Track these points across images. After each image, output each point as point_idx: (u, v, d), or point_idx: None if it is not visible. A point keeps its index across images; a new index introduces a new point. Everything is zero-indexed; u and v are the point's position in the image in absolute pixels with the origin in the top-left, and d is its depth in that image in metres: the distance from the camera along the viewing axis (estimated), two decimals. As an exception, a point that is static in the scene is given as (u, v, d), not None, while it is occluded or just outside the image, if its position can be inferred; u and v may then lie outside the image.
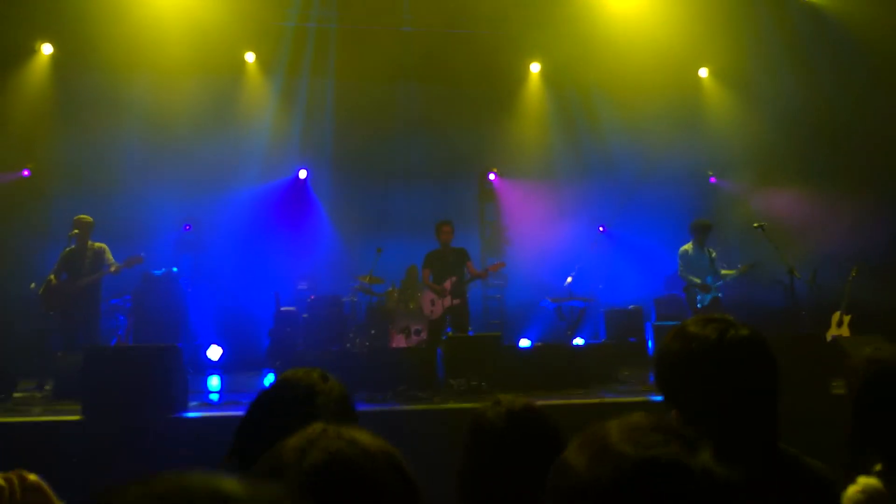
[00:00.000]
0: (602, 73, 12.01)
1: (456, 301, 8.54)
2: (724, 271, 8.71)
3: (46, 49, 11.00)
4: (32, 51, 10.94)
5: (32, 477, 1.58)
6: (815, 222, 10.84)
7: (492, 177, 13.14)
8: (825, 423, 5.32)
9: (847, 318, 9.11)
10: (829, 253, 10.11)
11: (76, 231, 7.94)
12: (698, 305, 8.58)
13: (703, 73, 12.83)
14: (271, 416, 1.51)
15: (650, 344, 10.05)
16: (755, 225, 8.50)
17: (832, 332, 9.09)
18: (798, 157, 11.56)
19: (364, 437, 1.00)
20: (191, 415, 5.75)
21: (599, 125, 12.54)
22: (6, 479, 1.62)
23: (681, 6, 10.74)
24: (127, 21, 10.12)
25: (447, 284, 8.57)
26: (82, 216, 8.09)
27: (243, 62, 11.99)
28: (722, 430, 1.50)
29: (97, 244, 8.13)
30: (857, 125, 10.99)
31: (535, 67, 12.85)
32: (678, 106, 12.42)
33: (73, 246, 7.96)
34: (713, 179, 13.07)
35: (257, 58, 12.00)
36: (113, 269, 7.97)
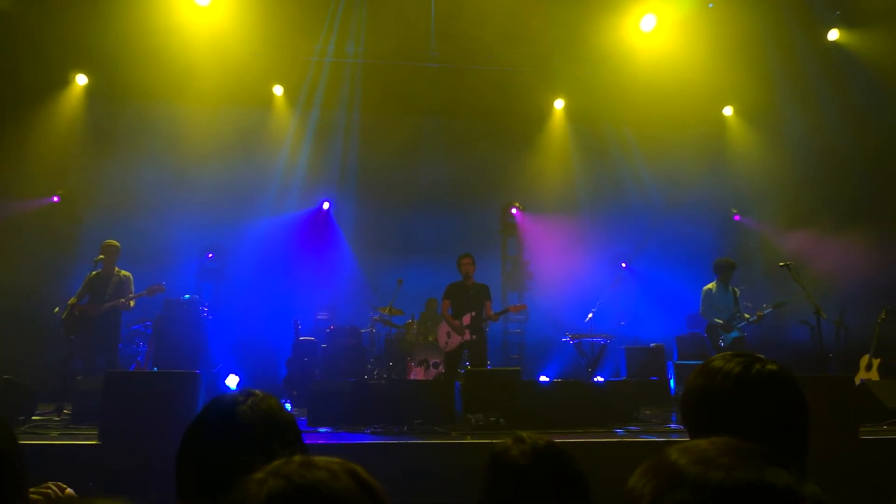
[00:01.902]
0: (626, 111, 12.08)
1: (473, 336, 8.48)
2: (746, 316, 8.55)
3: (81, 80, 11.30)
4: (67, 81, 11.25)
5: (69, 490, 1.62)
6: (841, 262, 10.67)
7: (514, 211, 13.15)
8: (854, 468, 5.18)
9: (876, 362, 8.89)
10: (856, 294, 9.92)
11: (101, 256, 8.04)
12: (721, 345, 8.44)
13: (728, 111, 12.82)
14: (200, 438, 1.45)
15: (672, 383, 9.89)
16: (780, 264, 8.37)
17: (861, 375, 8.87)
18: (824, 196, 11.44)
19: (329, 460, 0.97)
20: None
21: (623, 162, 12.56)
22: (45, 489, 1.65)
23: (705, 45, 10.78)
24: (159, 53, 10.38)
25: (466, 319, 8.51)
26: (110, 241, 8.19)
27: (271, 95, 12.22)
28: None
29: (123, 272, 8.20)
30: (883, 164, 10.87)
31: (559, 104, 12.93)
32: (702, 143, 12.41)
33: (98, 270, 8.06)
34: (737, 217, 12.96)
35: (285, 91, 12.23)
36: (124, 301, 8.02)
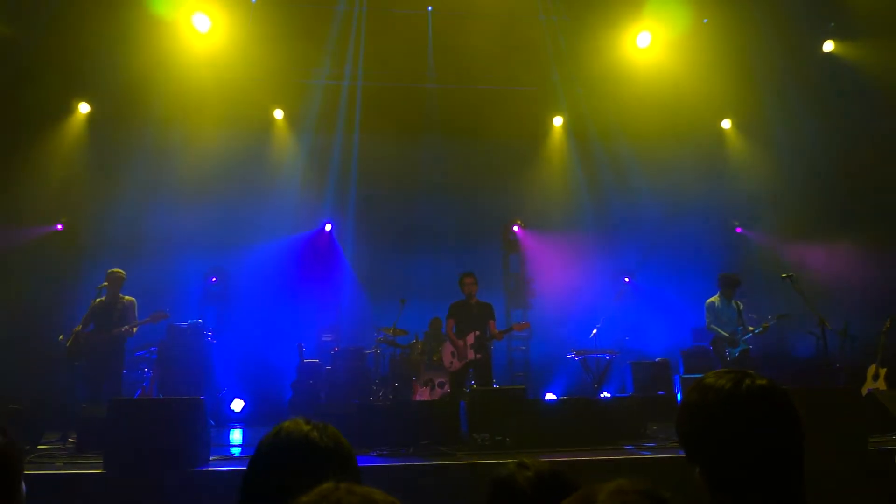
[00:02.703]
0: (625, 126, 12.13)
1: (478, 356, 8.45)
2: (750, 328, 8.53)
3: (83, 108, 11.40)
4: (69, 109, 11.34)
5: None
6: (844, 272, 10.65)
7: (516, 228, 13.18)
8: (863, 480, 5.14)
9: (883, 372, 8.84)
10: (860, 303, 9.89)
11: (105, 283, 8.07)
12: (728, 358, 8.41)
13: (726, 124, 12.87)
14: (270, 469, 1.50)
15: (679, 397, 9.83)
16: (784, 276, 8.36)
17: (868, 385, 8.82)
18: (824, 206, 11.45)
19: (376, 494, 0.99)
20: (213, 468, 5.70)
21: (623, 177, 12.59)
22: None
23: (701, 59, 10.86)
24: (160, 80, 10.47)
25: (470, 338, 8.49)
26: (115, 269, 8.23)
27: (272, 118, 12.30)
28: (743, 487, 1.44)
29: (127, 298, 8.23)
30: (882, 173, 10.88)
31: (557, 121, 13.00)
32: (702, 157, 12.44)
33: (102, 297, 8.08)
34: (739, 229, 12.97)
35: (285, 114, 12.31)
36: (129, 330, 8.03)
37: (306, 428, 1.52)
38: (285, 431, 1.53)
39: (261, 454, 1.52)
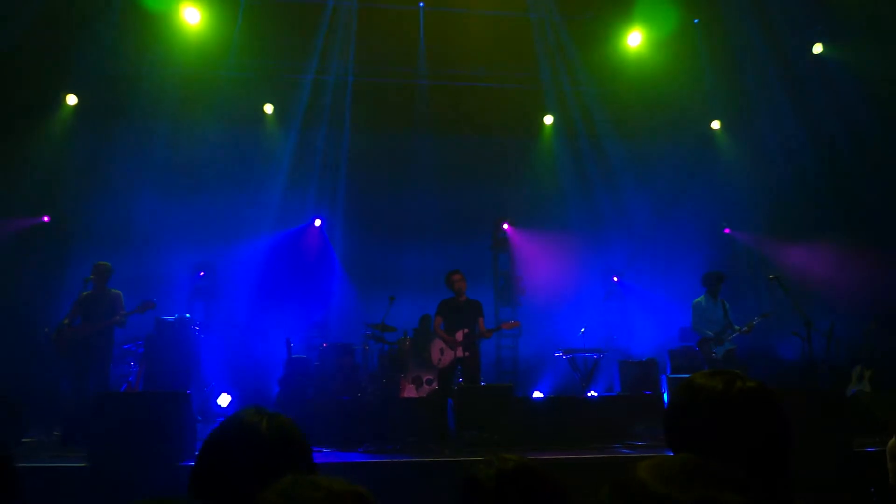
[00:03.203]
0: (615, 126, 12.16)
1: (467, 353, 8.45)
2: (736, 328, 8.58)
3: (71, 100, 11.30)
4: (57, 102, 11.24)
5: None
6: (830, 273, 10.73)
7: (505, 226, 13.19)
8: (847, 479, 5.19)
9: (868, 373, 8.93)
10: (846, 304, 9.97)
11: (92, 276, 8.01)
12: (714, 357, 8.46)
13: (716, 125, 12.94)
14: (214, 453, 1.50)
15: (665, 397, 9.88)
16: (770, 277, 8.42)
17: (852, 386, 8.90)
18: (812, 208, 11.54)
19: (336, 484, 0.98)
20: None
21: (612, 177, 12.62)
22: None
23: (691, 60, 10.91)
24: (148, 73, 10.41)
25: (459, 336, 8.49)
26: (102, 262, 8.17)
27: (262, 114, 12.24)
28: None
29: (114, 290, 8.18)
30: (871, 175, 10.98)
31: (548, 120, 13.02)
32: (691, 158, 12.50)
33: (89, 290, 8.02)
34: (727, 230, 13.05)
35: (275, 109, 12.26)
36: (118, 320, 7.98)
37: (255, 417, 1.52)
38: (235, 418, 1.55)
39: (209, 439, 1.55)
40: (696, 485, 0.85)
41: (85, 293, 8.01)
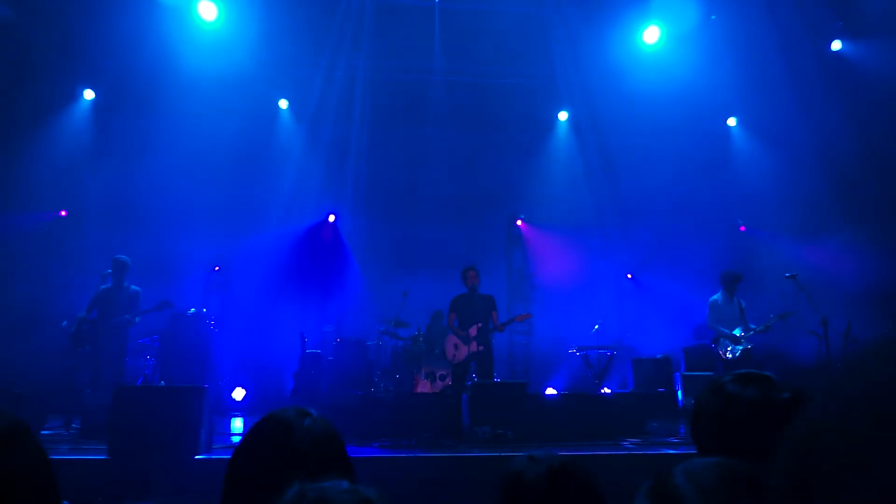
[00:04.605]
0: (630, 122, 12.09)
1: (481, 348, 8.47)
2: (752, 327, 8.52)
3: (88, 95, 11.40)
4: (74, 96, 11.35)
5: None
6: (848, 272, 10.63)
7: (519, 223, 13.17)
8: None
9: (884, 373, 8.82)
10: (864, 303, 9.87)
11: (110, 271, 8.08)
12: (728, 356, 8.41)
13: (732, 121, 12.84)
14: (252, 456, 1.49)
15: (679, 394, 9.85)
16: (787, 275, 8.36)
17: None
18: (828, 206, 11.43)
19: (342, 491, 0.98)
20: (214, 456, 5.73)
21: (627, 173, 12.57)
22: None
23: (708, 56, 10.82)
24: (165, 68, 10.46)
25: (473, 331, 8.51)
26: (120, 257, 8.24)
27: (277, 108, 12.29)
28: None
29: (132, 287, 8.23)
30: (887, 172, 10.86)
31: (563, 115, 12.98)
32: (707, 154, 12.41)
33: (107, 285, 8.10)
34: (743, 228, 12.95)
35: (290, 104, 12.30)
36: (129, 321, 8.04)
37: (296, 419, 1.52)
38: (272, 418, 1.54)
39: (248, 432, 1.55)
40: (737, 499, 0.85)
41: (103, 287, 8.09)
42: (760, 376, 1.58)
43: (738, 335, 8.44)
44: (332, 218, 12.56)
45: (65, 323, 8.32)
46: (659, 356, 10.74)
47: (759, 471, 0.91)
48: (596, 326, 10.87)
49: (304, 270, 12.02)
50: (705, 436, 1.58)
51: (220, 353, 10.37)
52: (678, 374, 10.28)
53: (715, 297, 8.78)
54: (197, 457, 5.57)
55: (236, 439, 7.20)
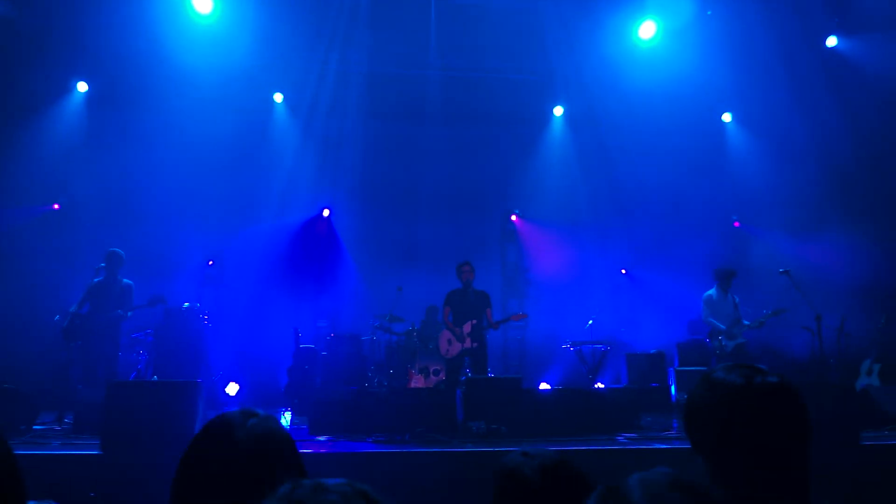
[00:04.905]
0: (626, 117, 12.08)
1: (475, 344, 8.49)
2: (746, 323, 8.55)
3: (82, 87, 11.33)
4: (68, 89, 11.27)
5: None
6: (841, 268, 10.67)
7: (514, 218, 13.17)
8: (856, 474, 5.17)
9: (877, 367, 8.89)
10: (857, 299, 9.92)
11: (103, 264, 8.04)
12: (723, 351, 8.44)
13: (727, 117, 12.85)
14: (198, 456, 1.46)
15: (673, 389, 9.87)
16: (781, 271, 8.39)
17: (861, 380, 8.87)
18: (822, 202, 11.46)
19: (338, 483, 0.97)
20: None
21: (622, 168, 12.56)
22: None
23: (703, 51, 10.82)
24: (160, 61, 10.40)
25: (467, 327, 8.52)
26: (113, 250, 8.20)
27: (271, 102, 12.24)
28: (749, 481, 1.45)
29: (125, 281, 8.20)
30: (881, 169, 10.89)
31: (558, 111, 12.96)
32: (702, 150, 12.42)
33: (100, 278, 8.06)
34: (737, 224, 12.98)
35: (285, 98, 12.25)
36: (122, 316, 8.02)
37: (237, 414, 1.48)
38: (219, 416, 1.51)
39: (195, 435, 1.51)
40: None
41: (96, 281, 8.05)
42: (747, 365, 1.58)
43: (732, 330, 8.47)
44: (326, 212, 12.53)
45: (57, 317, 8.27)
46: (653, 351, 10.77)
47: (706, 486, 0.95)
48: (590, 322, 10.88)
49: (298, 265, 12.00)
50: (692, 425, 1.58)
51: (213, 347, 10.33)
52: (672, 369, 10.30)
53: (709, 292, 8.81)
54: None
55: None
